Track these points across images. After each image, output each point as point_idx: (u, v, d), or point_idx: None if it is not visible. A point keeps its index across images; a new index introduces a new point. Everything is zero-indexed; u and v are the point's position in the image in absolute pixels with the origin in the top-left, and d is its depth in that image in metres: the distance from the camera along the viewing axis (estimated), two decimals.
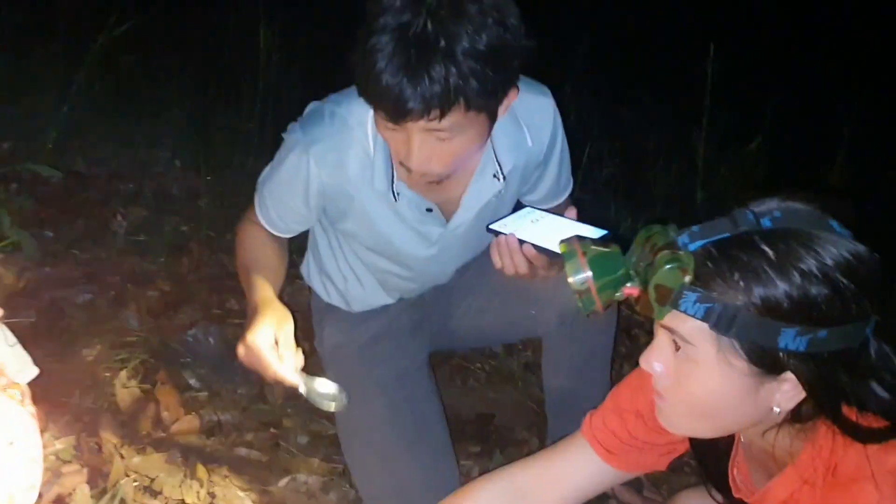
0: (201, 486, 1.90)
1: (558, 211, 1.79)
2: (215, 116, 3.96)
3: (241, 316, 2.51)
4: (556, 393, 2.02)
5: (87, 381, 2.20)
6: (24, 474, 1.38)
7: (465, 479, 2.06)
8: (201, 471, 1.94)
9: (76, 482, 1.86)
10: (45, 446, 1.89)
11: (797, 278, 1.00)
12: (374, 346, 1.94)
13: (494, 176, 1.71)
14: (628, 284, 1.13)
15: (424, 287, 1.99)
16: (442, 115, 1.37)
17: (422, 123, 1.39)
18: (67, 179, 3.24)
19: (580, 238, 1.21)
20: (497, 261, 1.55)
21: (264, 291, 1.64)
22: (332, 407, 1.60)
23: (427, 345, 2.02)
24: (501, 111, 1.50)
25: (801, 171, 3.51)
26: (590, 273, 1.14)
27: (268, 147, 3.25)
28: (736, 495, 1.30)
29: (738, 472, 1.29)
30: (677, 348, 1.10)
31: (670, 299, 1.05)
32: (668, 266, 1.04)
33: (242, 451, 2.07)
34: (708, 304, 1.03)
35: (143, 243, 2.96)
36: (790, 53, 3.80)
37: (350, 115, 1.62)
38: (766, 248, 1.02)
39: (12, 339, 1.56)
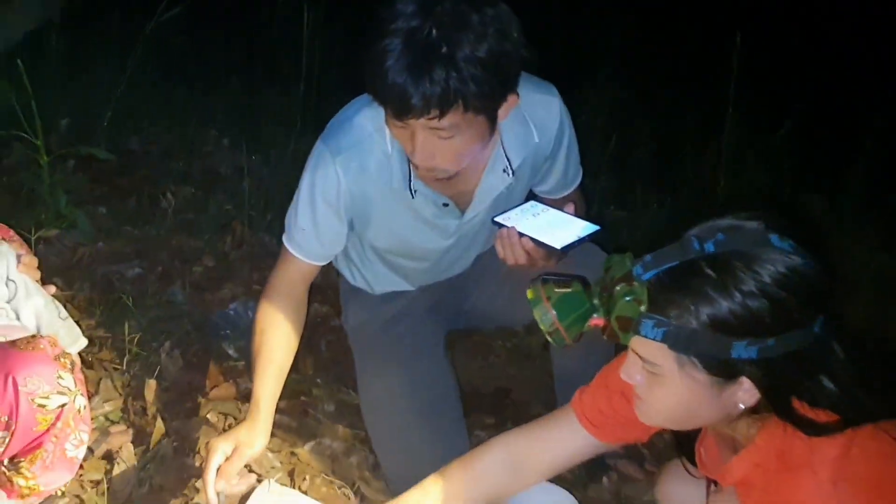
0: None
1: (569, 199, 1.95)
2: (261, 97, 4.13)
3: None
4: (563, 374, 2.16)
5: (136, 350, 2.39)
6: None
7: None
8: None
9: (122, 441, 2.06)
10: (94, 409, 2.12)
11: (738, 297, 1.13)
12: (394, 326, 2.09)
13: (504, 171, 1.85)
14: (594, 316, 1.28)
15: (442, 276, 2.13)
16: (441, 115, 1.51)
17: (423, 121, 1.54)
18: (121, 158, 3.44)
19: (544, 281, 1.36)
20: (500, 251, 1.72)
21: (261, 398, 1.78)
22: None
23: (443, 325, 2.16)
24: (502, 114, 1.64)
25: (829, 158, 3.54)
26: (554, 313, 1.30)
27: (310, 128, 3.41)
28: (702, 471, 1.43)
29: (705, 451, 1.42)
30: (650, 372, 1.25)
31: (631, 327, 1.20)
32: (625, 298, 1.19)
33: (275, 416, 2.24)
34: (664, 328, 1.16)
35: (190, 221, 3.15)
36: (820, 40, 3.82)
37: (368, 121, 1.76)
38: (710, 272, 1.14)
39: (64, 312, 1.75)
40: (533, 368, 2.62)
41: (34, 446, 1.48)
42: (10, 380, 1.40)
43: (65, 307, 1.78)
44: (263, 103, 4.06)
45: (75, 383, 1.50)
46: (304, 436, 2.19)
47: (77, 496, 1.91)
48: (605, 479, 2.16)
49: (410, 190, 1.82)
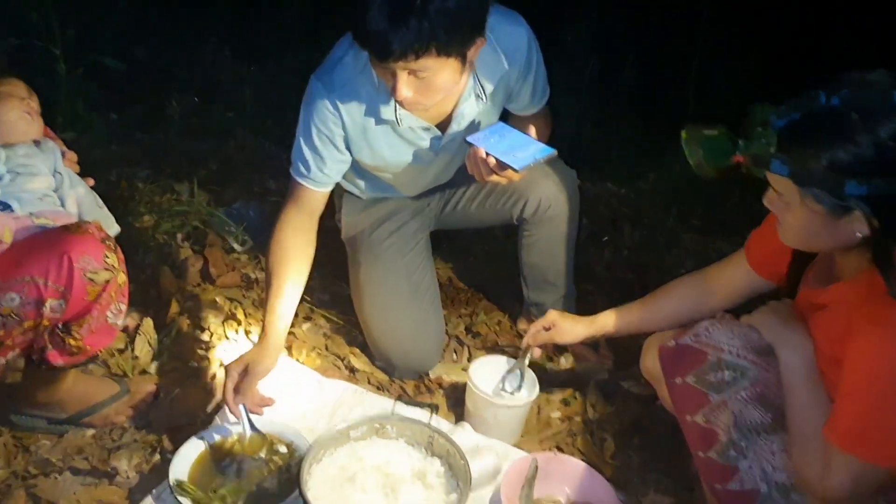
0: (239, 325, 2.39)
1: (537, 117, 2.22)
2: (260, 10, 4.30)
3: (278, 194, 2.96)
4: (528, 268, 2.46)
5: (150, 243, 2.67)
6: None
7: (454, 334, 2.53)
8: (240, 313, 2.43)
9: (142, 318, 2.36)
10: None
11: (852, 146, 1.39)
12: (382, 224, 2.37)
13: (478, 96, 2.10)
14: (734, 155, 1.54)
15: (427, 188, 2.41)
16: (417, 58, 1.76)
17: (401, 64, 1.78)
18: (127, 67, 3.64)
19: (694, 125, 1.61)
20: (469, 168, 2.03)
21: (274, 326, 1.98)
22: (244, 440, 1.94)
23: (427, 225, 2.45)
24: (471, 54, 1.88)
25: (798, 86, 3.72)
26: (702, 152, 1.57)
27: (307, 41, 3.61)
28: (802, 289, 1.72)
29: (812, 274, 1.71)
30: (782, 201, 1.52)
31: (763, 164, 1.48)
32: (760, 140, 1.47)
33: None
34: (789, 167, 1.44)
35: (194, 127, 3.39)
36: None
37: (356, 60, 2.00)
38: (831, 124, 1.40)
39: (100, 202, 2.01)
40: (506, 269, 2.89)
41: (83, 313, 1.76)
42: (66, 258, 1.68)
43: None
44: (263, 16, 4.23)
45: (118, 262, 1.78)
46: (300, 318, 2.49)
47: (105, 362, 2.23)
48: (562, 359, 2.46)
49: (397, 118, 2.06)
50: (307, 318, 2.50)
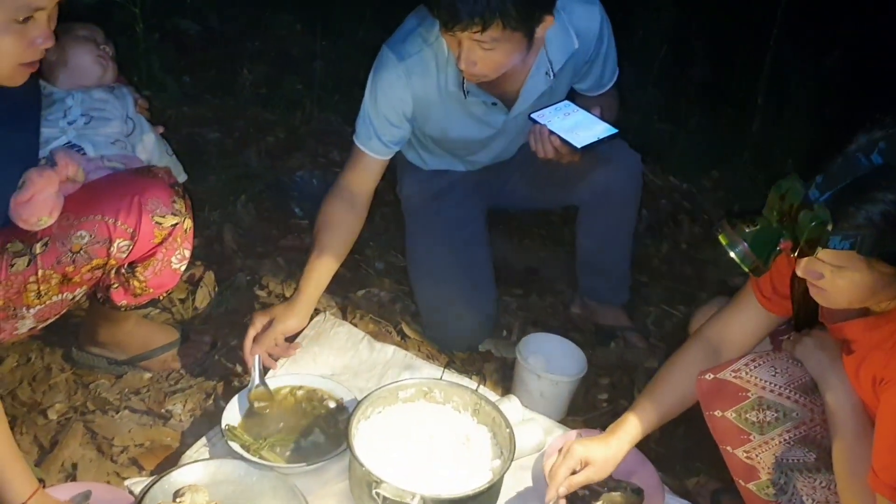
0: (294, 281, 2.43)
1: (605, 97, 2.22)
2: None
3: (342, 165, 2.99)
4: (584, 253, 2.47)
5: (215, 201, 2.74)
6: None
7: (506, 312, 2.55)
8: (298, 275, 2.46)
9: (204, 271, 2.42)
10: None
11: None
12: (442, 197, 2.40)
13: (546, 73, 2.11)
14: (782, 240, 1.40)
15: (490, 163, 2.42)
16: (483, 29, 1.79)
17: (468, 33, 1.81)
18: (202, 32, 3.72)
19: (732, 224, 1.45)
20: (532, 144, 2.04)
21: (307, 288, 2.06)
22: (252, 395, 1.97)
23: (485, 201, 2.47)
24: (539, 32, 1.90)
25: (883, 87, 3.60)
26: (748, 248, 1.43)
27: (378, 19, 3.65)
28: (821, 319, 1.65)
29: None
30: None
31: (820, 244, 1.34)
32: (812, 224, 1.33)
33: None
34: (851, 240, 1.32)
35: (264, 96, 3.45)
36: None
37: (428, 32, 2.03)
38: (884, 182, 1.30)
39: (170, 150, 2.07)
40: (562, 253, 2.91)
41: (149, 255, 1.81)
42: (135, 200, 1.73)
43: None
44: None
45: (185, 208, 1.83)
46: (356, 285, 2.54)
47: (168, 309, 2.30)
48: (612, 344, 2.46)
49: (464, 91, 2.09)
50: (363, 286, 2.54)
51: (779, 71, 3.64)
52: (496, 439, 1.89)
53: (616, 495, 1.88)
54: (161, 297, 1.96)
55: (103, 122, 1.94)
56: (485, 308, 2.35)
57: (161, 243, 1.80)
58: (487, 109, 2.15)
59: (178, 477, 1.75)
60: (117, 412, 1.99)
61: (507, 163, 2.45)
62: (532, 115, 2.04)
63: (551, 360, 2.17)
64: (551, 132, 1.98)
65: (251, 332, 2.00)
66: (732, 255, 1.44)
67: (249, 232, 2.64)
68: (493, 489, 1.76)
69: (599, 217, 2.36)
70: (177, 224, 1.80)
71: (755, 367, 1.65)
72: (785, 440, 1.62)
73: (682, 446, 2.19)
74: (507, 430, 1.85)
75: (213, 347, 2.20)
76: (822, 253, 1.37)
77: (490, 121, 2.20)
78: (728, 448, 1.69)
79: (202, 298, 2.34)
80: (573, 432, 2.02)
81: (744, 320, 1.80)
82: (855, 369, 1.53)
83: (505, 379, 2.27)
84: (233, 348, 2.20)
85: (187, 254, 1.89)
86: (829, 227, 1.32)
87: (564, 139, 1.96)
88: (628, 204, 2.34)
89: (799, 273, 1.47)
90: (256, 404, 1.96)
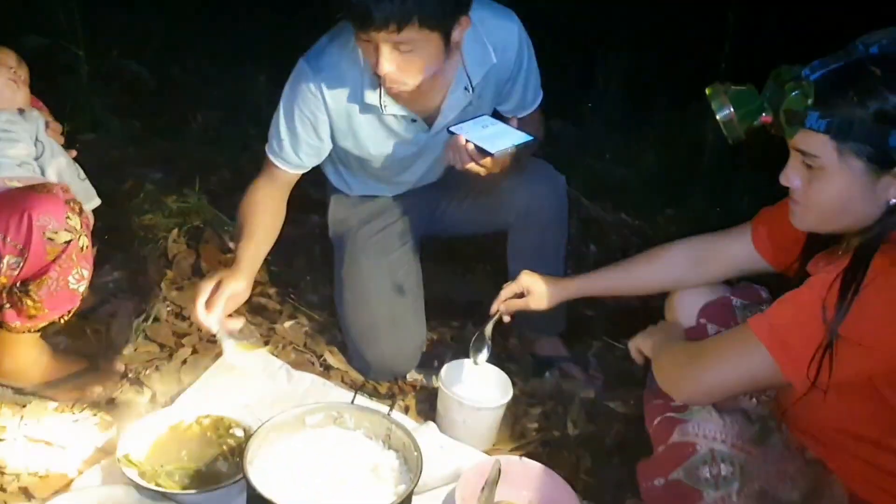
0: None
1: (528, 119, 2.19)
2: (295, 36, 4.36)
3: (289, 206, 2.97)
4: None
5: (146, 236, 2.68)
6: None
7: (440, 343, 2.47)
8: None
9: (124, 304, 2.36)
10: (103, 276, 2.43)
11: None
12: (369, 222, 2.35)
13: (466, 89, 2.08)
14: (763, 114, 1.43)
15: (416, 185, 2.38)
16: (399, 29, 1.74)
17: (384, 34, 1.76)
18: (160, 81, 3.72)
19: (723, 81, 1.50)
20: (448, 156, 1.98)
21: (242, 259, 1.99)
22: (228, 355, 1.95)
23: (416, 227, 2.41)
24: (457, 35, 1.87)
25: None
26: (731, 108, 1.45)
27: None
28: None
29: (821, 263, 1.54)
30: (808, 166, 1.40)
31: (797, 120, 1.36)
32: (793, 93, 1.36)
33: (262, 299, 2.52)
34: (828, 119, 1.32)
35: (213, 138, 3.43)
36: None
37: (344, 46, 2.00)
38: (875, 69, 1.30)
39: (83, 174, 2.02)
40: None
41: (41, 273, 1.75)
42: (26, 215, 1.68)
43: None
44: (300, 43, 4.28)
45: (81, 225, 1.77)
46: (284, 317, 2.47)
47: (79, 339, 2.23)
48: (547, 374, 2.38)
49: (381, 105, 2.05)
50: (291, 317, 2.47)
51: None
52: (407, 465, 1.80)
53: None
54: (61, 320, 1.88)
55: (10, 143, 1.91)
56: (412, 336, 2.28)
57: (55, 261, 1.74)
58: (407, 126, 2.12)
59: (61, 503, 1.66)
60: (15, 440, 1.90)
61: (434, 186, 2.40)
62: (450, 129, 2.01)
63: (476, 387, 2.10)
64: (467, 141, 1.94)
65: (201, 299, 1.89)
66: (718, 115, 1.45)
67: (177, 266, 2.58)
68: None
69: (526, 238, 2.30)
70: (71, 241, 1.74)
71: (703, 423, 1.59)
72: (742, 497, 1.52)
73: (615, 476, 2.10)
74: (416, 454, 1.76)
75: (125, 378, 2.12)
76: (798, 139, 1.38)
77: (411, 138, 2.16)
78: None
79: (118, 330, 2.27)
80: (492, 458, 1.93)
81: (734, 245, 1.81)
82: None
83: (430, 409, 2.19)
84: (146, 379, 2.13)
85: (86, 273, 1.83)
86: (810, 101, 1.33)
87: (479, 146, 1.92)
88: (554, 223, 2.29)
89: (781, 179, 1.45)
90: (206, 439, 1.90)
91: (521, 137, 1.96)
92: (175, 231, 2.71)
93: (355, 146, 2.14)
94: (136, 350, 2.24)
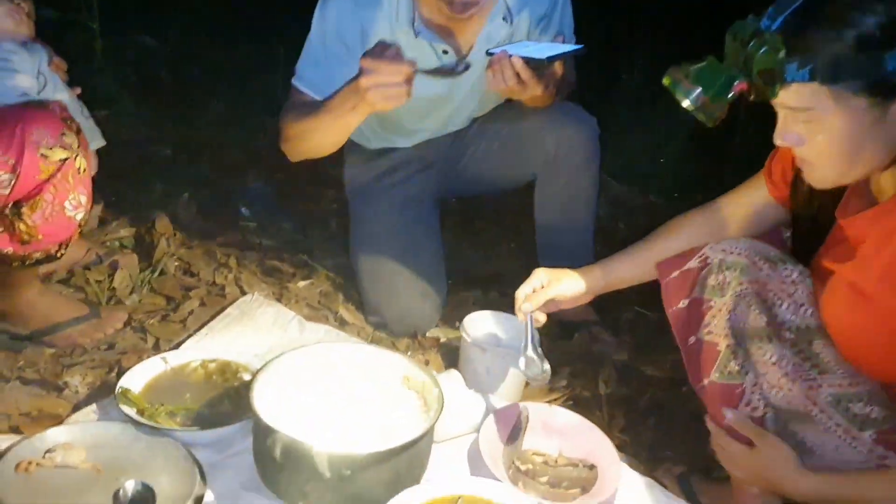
0: (230, 272, 2.25)
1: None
2: None
3: (299, 183, 2.87)
4: (543, 233, 2.26)
5: (156, 202, 2.58)
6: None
7: (462, 305, 2.33)
8: (233, 262, 2.29)
9: (130, 257, 2.24)
10: (110, 233, 2.31)
11: (880, 8, 1.16)
12: (388, 177, 2.24)
13: (504, 18, 1.98)
14: (735, 83, 1.25)
15: (438, 133, 2.26)
16: None
17: None
18: (175, 58, 3.61)
19: (676, 66, 1.33)
20: (490, 79, 1.85)
21: None
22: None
23: (435, 184, 2.29)
24: None
25: None
26: (699, 89, 1.28)
27: None
28: (836, 214, 1.44)
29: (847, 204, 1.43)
30: (802, 122, 1.25)
31: (776, 77, 1.20)
32: (761, 51, 1.20)
33: (276, 262, 2.39)
34: (810, 65, 1.18)
35: (225, 118, 3.33)
36: None
37: None
38: (835, 1, 1.17)
39: (87, 112, 1.93)
40: (530, 263, 2.70)
41: (35, 192, 1.64)
42: (18, 130, 1.58)
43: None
44: None
45: (78, 145, 1.67)
46: (298, 277, 2.34)
47: (81, 288, 2.11)
48: (576, 335, 2.23)
49: (413, 28, 1.94)
50: (306, 279, 2.34)
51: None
52: (426, 406, 1.66)
53: (566, 470, 1.65)
54: (57, 254, 1.77)
55: (9, 73, 1.81)
56: (432, 292, 2.15)
57: (48, 180, 1.63)
58: (437, 59, 2.00)
59: (52, 435, 1.53)
60: (7, 382, 1.78)
61: (456, 138, 2.29)
62: (490, 50, 1.89)
63: (500, 336, 1.96)
64: (511, 56, 1.79)
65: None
66: (686, 103, 1.28)
67: (186, 228, 2.46)
68: (410, 452, 1.51)
69: (555, 186, 2.17)
70: (66, 160, 1.63)
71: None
72: (738, 294, 1.44)
73: (652, 436, 1.95)
74: (437, 390, 1.62)
75: (127, 326, 2.00)
76: (785, 96, 1.23)
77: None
78: (690, 339, 1.51)
79: (121, 280, 2.15)
80: (519, 404, 1.78)
81: (750, 199, 1.64)
82: (865, 266, 1.34)
83: (452, 365, 2.04)
84: (149, 328, 2.01)
85: (84, 200, 1.71)
86: (782, 55, 1.19)
87: (527, 57, 1.78)
88: (585, 169, 2.16)
89: (777, 141, 1.31)
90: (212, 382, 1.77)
91: (570, 47, 1.84)
92: (186, 196, 2.59)
93: None
94: (140, 301, 2.11)
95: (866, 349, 1.38)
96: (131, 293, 2.13)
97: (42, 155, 1.60)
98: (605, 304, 2.41)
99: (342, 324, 2.15)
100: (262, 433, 1.48)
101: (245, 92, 3.54)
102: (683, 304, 1.55)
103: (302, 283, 2.30)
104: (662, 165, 3.42)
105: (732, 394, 1.47)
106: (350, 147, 2.31)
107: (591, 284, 1.80)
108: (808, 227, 1.52)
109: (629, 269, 1.79)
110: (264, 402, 1.53)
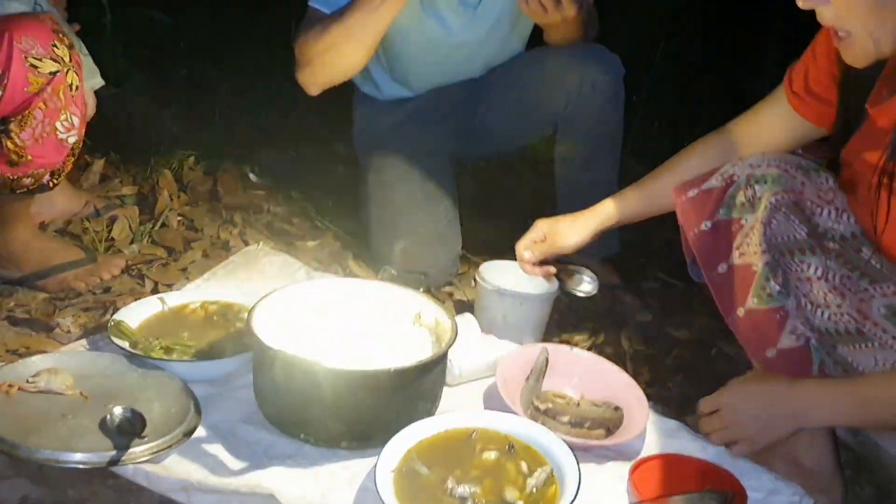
0: (235, 228, 2.15)
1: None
2: None
3: (314, 159, 2.78)
4: (565, 186, 2.14)
5: (160, 167, 2.48)
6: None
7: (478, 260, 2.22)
8: (239, 219, 2.19)
9: (131, 210, 2.15)
10: (112, 190, 2.22)
11: None
12: (400, 128, 2.14)
13: None
14: None
15: (449, 78, 2.16)
16: None
17: None
18: (184, 32, 3.53)
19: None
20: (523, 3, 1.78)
21: None
22: None
23: (451, 137, 2.19)
24: None
25: None
26: None
27: None
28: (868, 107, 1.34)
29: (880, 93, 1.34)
30: None
31: None
32: None
33: (285, 225, 2.30)
34: None
35: (240, 106, 3.25)
36: None
37: None
38: None
39: (85, 49, 1.85)
40: None
41: (24, 106, 1.56)
42: (5, 36, 1.50)
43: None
44: None
45: (70, 59, 1.58)
46: (307, 238, 2.24)
47: (78, 237, 2.02)
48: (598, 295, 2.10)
49: None
50: (315, 238, 2.24)
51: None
52: (439, 343, 1.54)
53: (590, 410, 1.53)
54: (50, 184, 1.68)
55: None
56: (446, 246, 2.05)
57: (38, 94, 1.54)
58: None
59: (37, 362, 1.43)
60: None
61: (474, 87, 2.19)
62: None
63: (517, 281, 1.84)
64: None
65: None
66: None
67: (192, 189, 2.37)
68: (420, 379, 1.40)
69: (578, 131, 2.05)
70: (57, 73, 1.55)
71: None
72: (772, 204, 1.31)
73: (679, 392, 1.83)
74: (450, 322, 1.51)
75: (125, 273, 1.90)
76: None
77: (460, 6, 1.99)
78: (720, 268, 1.38)
79: (121, 230, 2.06)
80: (539, 345, 1.67)
81: (772, 118, 1.53)
82: None
83: None
84: (148, 273, 1.91)
85: (76, 121, 1.63)
86: None
87: None
88: (609, 111, 2.03)
89: (800, 3, 1.20)
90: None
91: None
92: (192, 159, 2.50)
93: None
94: (140, 252, 2.02)
95: None
96: (131, 243, 2.04)
97: (31, 65, 1.52)
98: (627, 273, 2.31)
99: (349, 273, 2.05)
100: (261, 355, 1.38)
101: (258, 65, 3.45)
102: (707, 226, 1.41)
103: (311, 243, 2.20)
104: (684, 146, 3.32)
105: (773, 320, 1.35)
106: (361, 100, 2.23)
107: (596, 225, 1.74)
108: (841, 125, 1.40)
109: (642, 200, 1.71)
110: (265, 329, 1.43)
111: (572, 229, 1.76)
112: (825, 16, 1.22)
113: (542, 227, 1.77)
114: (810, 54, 1.46)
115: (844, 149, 1.37)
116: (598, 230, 1.76)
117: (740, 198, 1.37)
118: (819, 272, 1.31)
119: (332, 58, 1.85)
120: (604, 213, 1.74)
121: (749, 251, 1.36)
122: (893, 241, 1.27)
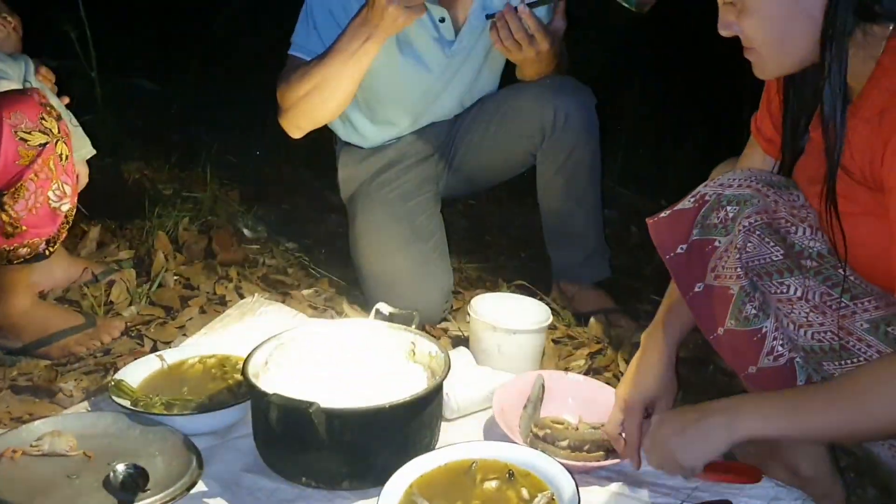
0: (230, 282, 2.19)
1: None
2: None
3: (308, 214, 2.82)
4: (549, 217, 2.19)
5: (158, 226, 2.52)
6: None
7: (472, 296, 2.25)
8: (234, 273, 2.23)
9: (128, 274, 2.18)
10: (109, 256, 2.27)
11: None
12: (384, 172, 2.18)
13: None
14: None
15: (428, 114, 2.20)
16: None
17: None
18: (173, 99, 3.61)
19: None
20: (495, 37, 1.88)
21: None
22: None
23: (435, 174, 2.24)
24: None
25: None
26: None
27: None
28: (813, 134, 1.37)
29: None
30: (732, 5, 1.23)
31: None
32: None
33: (280, 276, 2.33)
34: None
35: (229, 163, 3.30)
36: None
37: None
38: None
39: (75, 121, 1.90)
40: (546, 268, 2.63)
41: (16, 179, 1.60)
42: None
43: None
44: None
45: (59, 130, 1.63)
46: (301, 286, 2.28)
47: (77, 303, 2.05)
48: (592, 320, 2.14)
49: None
50: (310, 286, 2.28)
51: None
52: (434, 377, 1.56)
53: (588, 433, 1.55)
54: (45, 250, 1.71)
55: None
56: (438, 283, 2.07)
57: (29, 166, 1.59)
58: (434, 26, 1.99)
59: (40, 425, 1.45)
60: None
61: (453, 126, 2.25)
62: (487, 14, 1.93)
63: (510, 313, 1.87)
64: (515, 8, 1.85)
65: None
66: None
67: (187, 248, 2.40)
68: (417, 415, 1.42)
69: (556, 160, 2.10)
70: (46, 144, 1.60)
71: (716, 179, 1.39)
72: (746, 228, 1.30)
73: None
74: (443, 355, 1.54)
75: (125, 335, 1.93)
76: None
77: (434, 43, 2.03)
78: (696, 288, 1.37)
79: (119, 293, 2.09)
80: (534, 373, 1.69)
81: (761, 166, 1.50)
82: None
83: None
84: (147, 333, 1.94)
85: (68, 190, 1.67)
86: None
87: (534, 1, 1.85)
88: (585, 139, 2.08)
89: (721, 31, 1.25)
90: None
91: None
92: (186, 220, 2.55)
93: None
94: (139, 313, 2.05)
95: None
96: (129, 305, 2.07)
97: (21, 139, 1.57)
98: (621, 297, 2.34)
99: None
100: (257, 402, 1.40)
101: (247, 123, 3.51)
102: (682, 249, 1.39)
103: (306, 291, 2.23)
104: (670, 172, 3.36)
105: (751, 341, 1.35)
106: (344, 149, 2.28)
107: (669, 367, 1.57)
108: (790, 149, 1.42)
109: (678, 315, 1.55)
110: (259, 376, 1.45)
111: (665, 378, 1.56)
112: (744, 44, 1.26)
113: (633, 403, 1.51)
114: (765, 99, 1.48)
115: (793, 174, 1.39)
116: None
117: (713, 219, 1.35)
118: (799, 293, 1.31)
119: (314, 102, 1.90)
120: (667, 335, 1.57)
121: (724, 274, 1.35)
122: (860, 263, 1.28)
